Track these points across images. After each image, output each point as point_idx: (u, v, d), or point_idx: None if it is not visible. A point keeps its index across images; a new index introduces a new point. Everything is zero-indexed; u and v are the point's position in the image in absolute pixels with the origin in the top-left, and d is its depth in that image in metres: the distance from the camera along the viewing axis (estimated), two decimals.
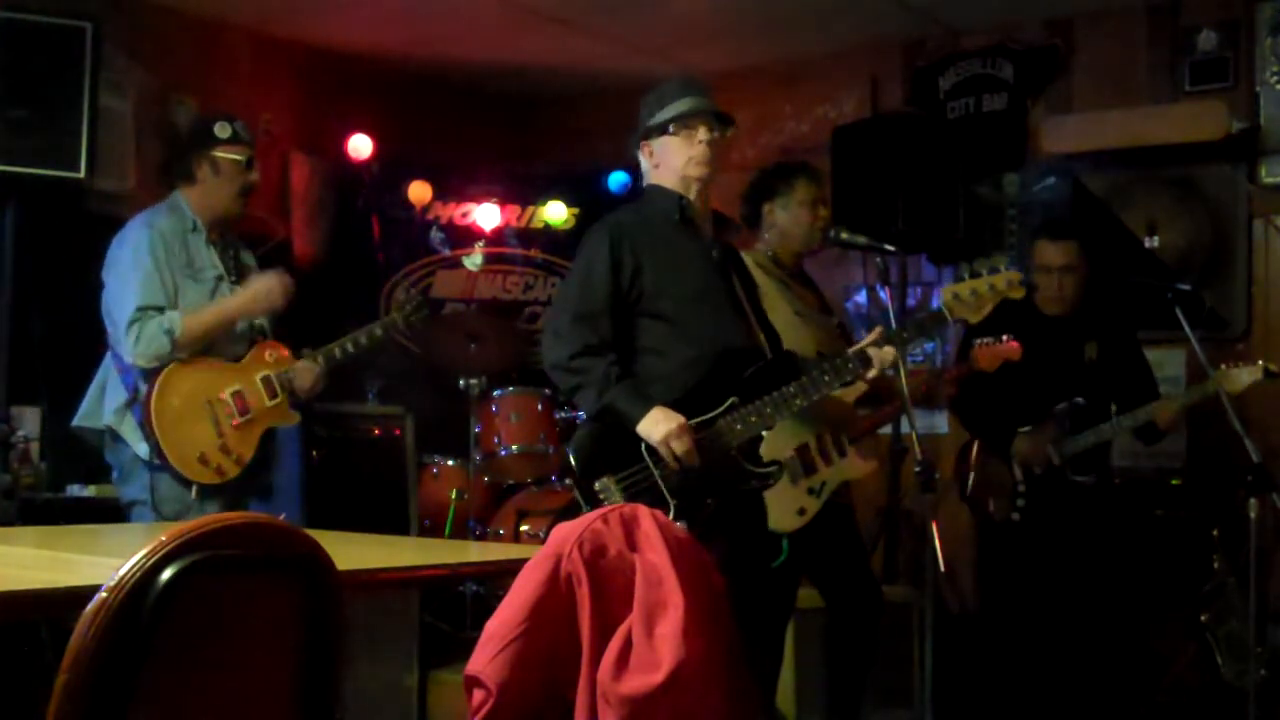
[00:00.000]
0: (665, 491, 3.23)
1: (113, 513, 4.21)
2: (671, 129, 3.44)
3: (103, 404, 4.03)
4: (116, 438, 4.00)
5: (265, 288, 4.10)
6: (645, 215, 3.49)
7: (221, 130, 4.10)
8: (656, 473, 3.24)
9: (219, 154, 4.09)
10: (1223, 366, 4.34)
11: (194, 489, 3.94)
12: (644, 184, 3.57)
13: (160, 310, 3.93)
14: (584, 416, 5.34)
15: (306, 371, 4.13)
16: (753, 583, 3.41)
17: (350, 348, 4.23)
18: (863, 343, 3.54)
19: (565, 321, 3.36)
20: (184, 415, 3.94)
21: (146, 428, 3.90)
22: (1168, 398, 4.51)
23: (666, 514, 3.14)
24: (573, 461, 3.31)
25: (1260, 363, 4.36)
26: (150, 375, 3.92)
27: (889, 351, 3.46)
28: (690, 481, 3.26)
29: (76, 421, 4.10)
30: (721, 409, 3.31)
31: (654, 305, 3.36)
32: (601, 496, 3.21)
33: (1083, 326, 4.69)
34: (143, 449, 3.93)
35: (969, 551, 5.42)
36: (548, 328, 3.46)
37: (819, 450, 3.90)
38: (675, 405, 3.28)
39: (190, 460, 3.93)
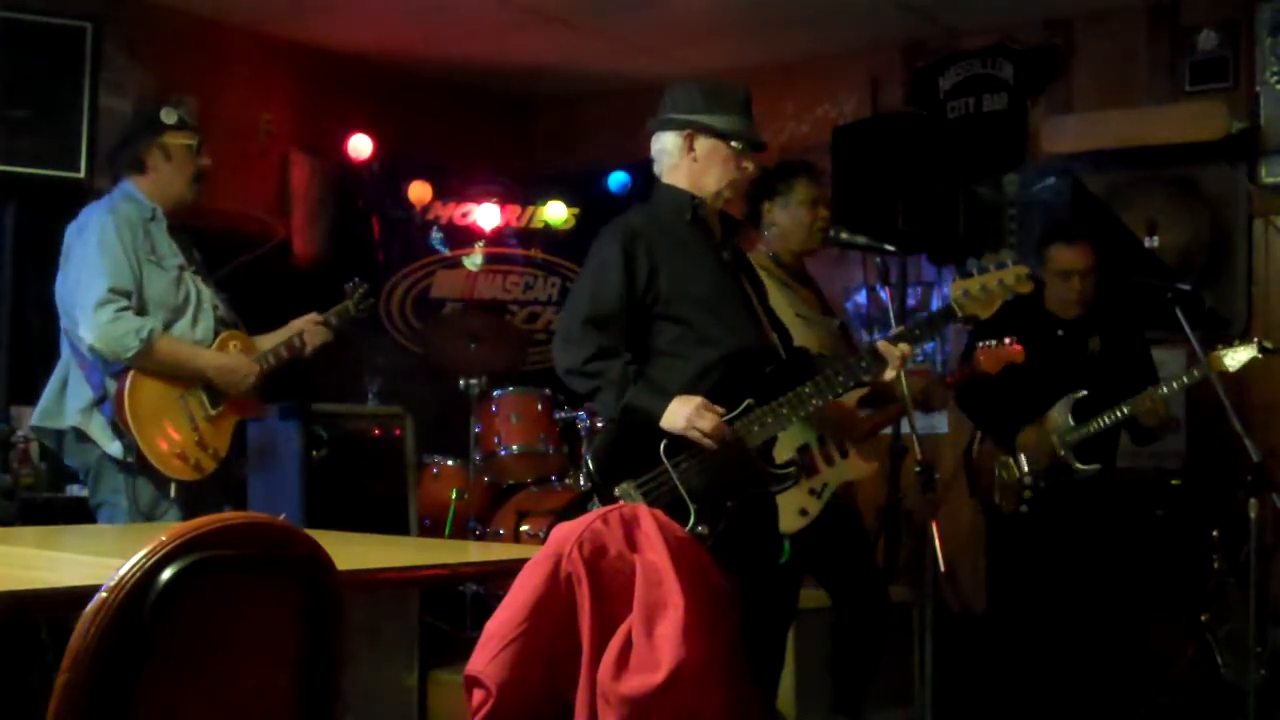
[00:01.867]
0: (685, 495, 3.19)
1: None
2: (735, 144, 3.37)
3: (64, 403, 3.89)
4: (83, 438, 3.86)
5: (244, 371, 3.99)
6: (657, 216, 3.41)
7: (168, 116, 3.99)
8: (675, 476, 3.20)
9: (169, 140, 3.99)
10: (1219, 347, 4.31)
11: (172, 487, 3.83)
12: (659, 176, 3.46)
13: (128, 296, 3.80)
14: (585, 416, 5.42)
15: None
16: (760, 585, 3.41)
17: (284, 353, 4.12)
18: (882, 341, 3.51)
19: (576, 326, 3.28)
20: (159, 412, 3.83)
21: (121, 427, 3.78)
22: (1155, 390, 4.47)
23: (687, 518, 3.14)
24: (591, 469, 3.24)
25: (1256, 340, 4.34)
26: (119, 373, 3.79)
27: (897, 348, 3.42)
28: (711, 485, 3.21)
29: (34, 422, 3.97)
30: (738, 411, 3.27)
31: (670, 308, 3.30)
32: (622, 503, 3.17)
33: (1087, 322, 4.70)
34: (114, 448, 3.80)
35: (969, 551, 5.43)
36: (559, 332, 3.36)
37: (820, 451, 3.90)
38: None
39: (169, 458, 3.82)
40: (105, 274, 3.79)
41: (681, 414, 3.17)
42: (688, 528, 3.10)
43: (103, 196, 4.06)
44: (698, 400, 3.18)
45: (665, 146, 3.43)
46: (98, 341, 3.76)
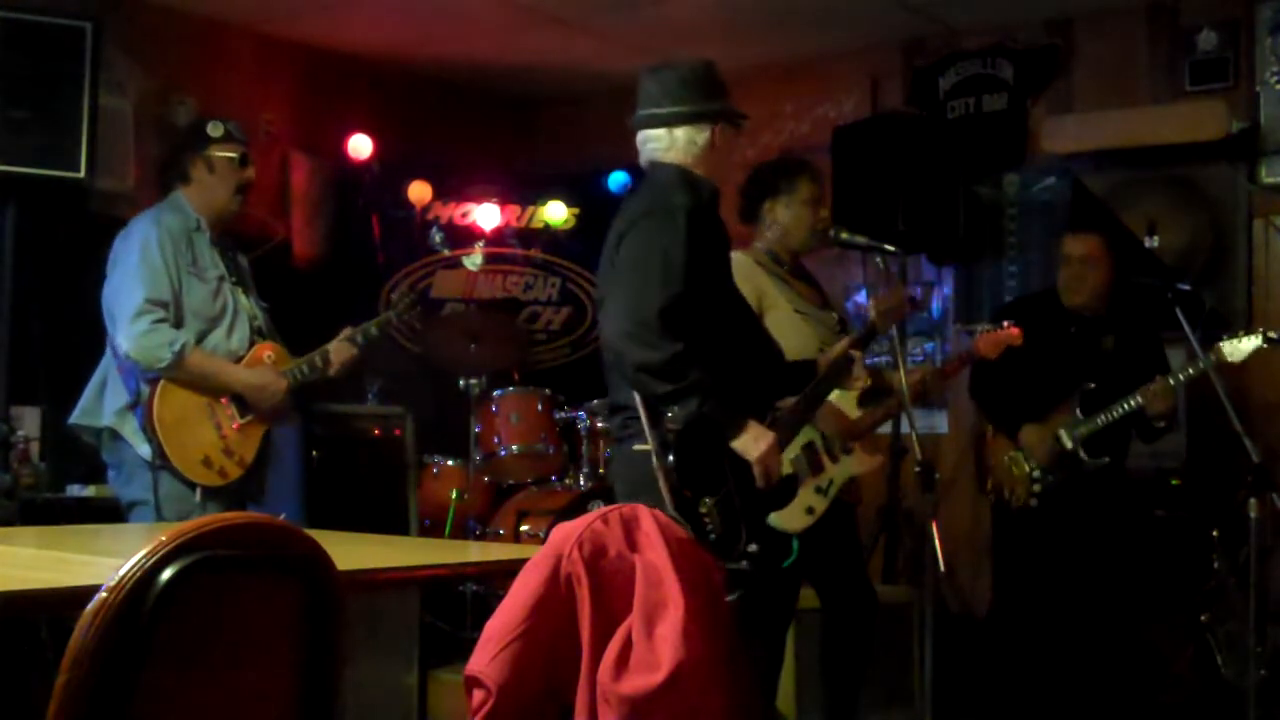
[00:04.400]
0: (740, 511, 3.16)
1: (113, 513, 4.20)
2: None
3: (102, 403, 4.01)
4: (117, 438, 3.99)
5: (273, 389, 4.07)
6: (701, 201, 3.28)
7: (214, 129, 4.13)
8: (735, 494, 3.17)
9: (212, 152, 4.11)
10: (1224, 338, 4.33)
11: (198, 491, 3.93)
12: (674, 163, 3.35)
13: (165, 306, 3.92)
14: (584, 417, 5.41)
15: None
16: (763, 585, 3.41)
17: (318, 361, 4.16)
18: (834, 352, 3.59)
19: (652, 318, 3.07)
20: (186, 418, 3.94)
21: (149, 431, 3.89)
22: (1163, 379, 4.49)
23: (739, 533, 3.12)
24: (676, 481, 3.07)
25: (1261, 330, 4.36)
26: (152, 379, 3.91)
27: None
28: (755, 502, 3.20)
29: (74, 419, 4.08)
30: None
31: (709, 305, 3.24)
32: (708, 522, 3.09)
33: (1104, 320, 4.73)
34: (145, 450, 3.92)
35: (969, 551, 5.43)
36: (624, 322, 3.12)
37: (825, 448, 3.90)
38: None
39: (194, 463, 3.93)
40: (143, 285, 3.92)
41: (761, 445, 3.17)
42: (742, 544, 3.11)
43: (152, 206, 4.17)
44: (774, 438, 3.19)
45: (690, 138, 3.34)
46: (133, 351, 3.89)
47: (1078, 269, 4.71)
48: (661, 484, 3.05)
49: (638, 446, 3.14)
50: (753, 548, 3.11)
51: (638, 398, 3.13)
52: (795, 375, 3.54)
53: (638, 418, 3.14)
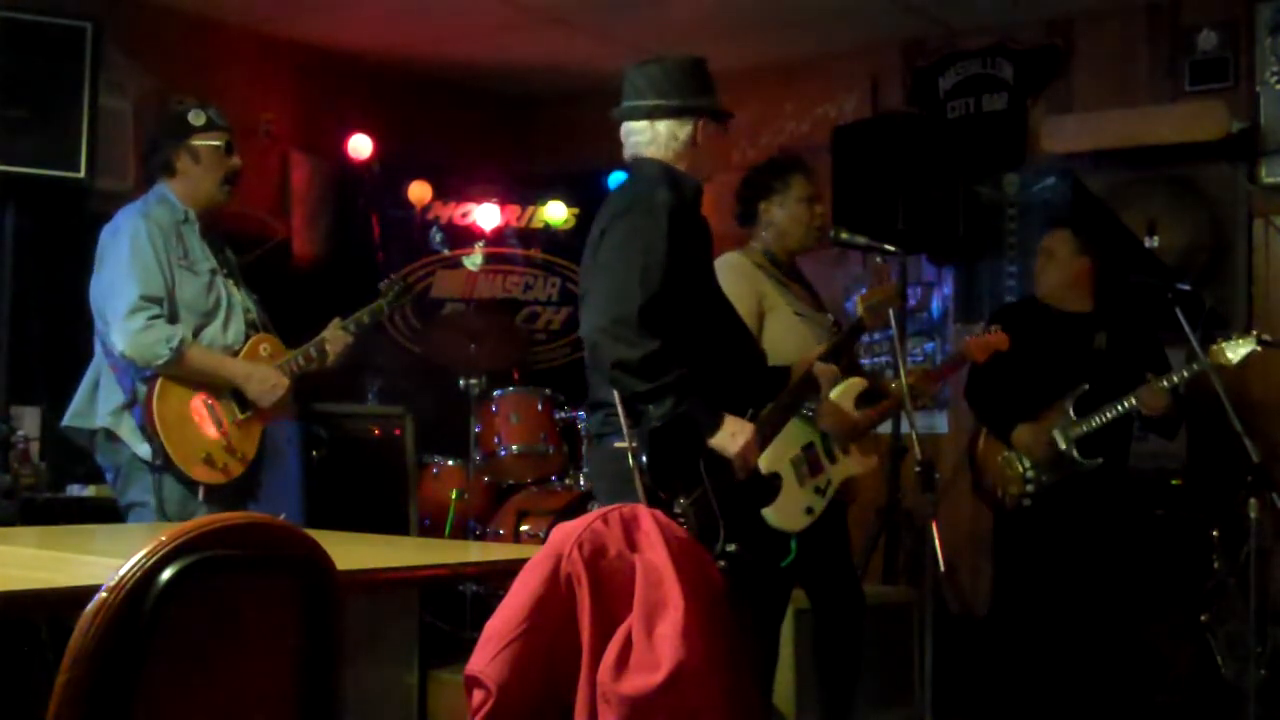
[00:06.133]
0: (718, 513, 3.14)
1: (113, 513, 4.16)
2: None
3: (95, 404, 3.91)
4: (113, 439, 3.88)
5: (274, 381, 3.97)
6: (684, 199, 3.26)
7: (196, 118, 3.98)
8: (712, 494, 3.14)
9: (196, 142, 3.97)
10: (1219, 340, 4.34)
11: (200, 490, 3.84)
12: (654, 160, 3.33)
13: (159, 302, 3.82)
14: (584, 416, 5.40)
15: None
16: (756, 584, 3.41)
17: (313, 353, 4.10)
18: (811, 357, 3.56)
19: (632, 315, 3.04)
20: (187, 416, 3.85)
21: (149, 430, 3.79)
22: (1156, 380, 4.50)
23: (717, 533, 3.09)
24: (650, 480, 3.05)
25: (1254, 332, 4.36)
26: (149, 377, 3.82)
27: (826, 369, 3.49)
28: (733, 501, 3.17)
29: (67, 421, 3.98)
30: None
31: (689, 305, 3.21)
32: (683, 522, 3.04)
33: (1095, 319, 4.73)
34: (143, 450, 3.82)
35: (969, 551, 5.43)
36: (603, 318, 3.09)
37: (824, 449, 3.91)
38: None
39: (196, 461, 3.84)
40: (137, 281, 3.80)
41: (739, 440, 3.14)
42: (720, 545, 3.09)
43: (138, 199, 4.06)
44: (753, 431, 3.17)
45: (672, 133, 3.32)
46: (129, 349, 3.78)
47: (1039, 261, 4.83)
48: (637, 484, 3.03)
49: (616, 444, 3.12)
50: (731, 548, 3.09)
51: (617, 395, 3.12)
52: (770, 380, 3.53)
53: (617, 415, 3.13)
